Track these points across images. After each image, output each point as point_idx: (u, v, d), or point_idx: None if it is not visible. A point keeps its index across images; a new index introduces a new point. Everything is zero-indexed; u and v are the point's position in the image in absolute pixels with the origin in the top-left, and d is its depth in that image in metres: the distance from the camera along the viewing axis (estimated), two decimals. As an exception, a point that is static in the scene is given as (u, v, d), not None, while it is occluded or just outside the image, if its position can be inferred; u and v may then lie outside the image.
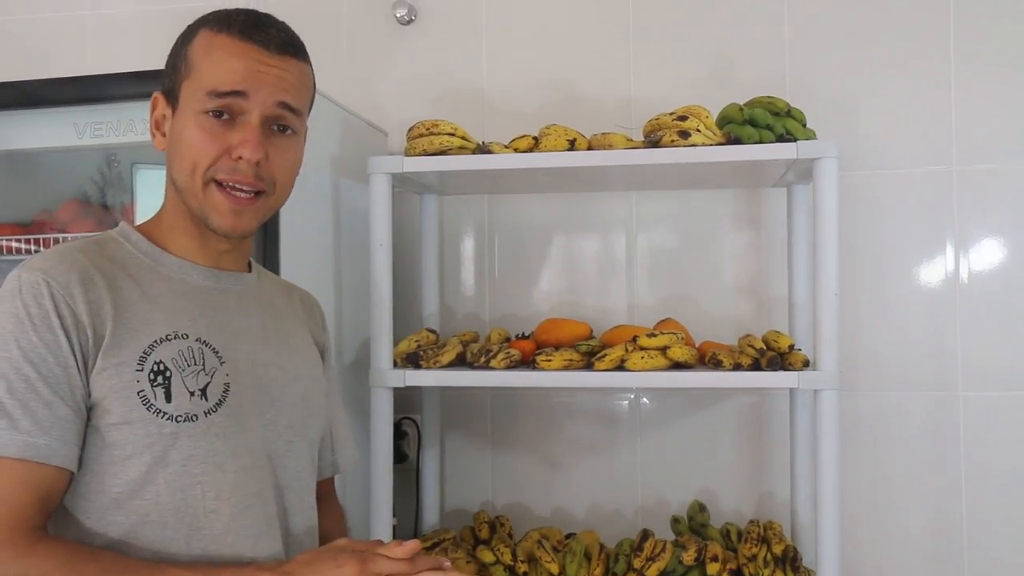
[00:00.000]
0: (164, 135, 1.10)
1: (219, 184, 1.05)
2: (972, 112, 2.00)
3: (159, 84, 1.13)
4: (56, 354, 0.97)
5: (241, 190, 1.06)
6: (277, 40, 1.07)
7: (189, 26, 1.11)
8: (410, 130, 1.85)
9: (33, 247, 1.84)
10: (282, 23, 1.11)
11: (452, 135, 1.82)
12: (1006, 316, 1.99)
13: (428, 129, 1.82)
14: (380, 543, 1.06)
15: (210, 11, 1.11)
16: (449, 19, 2.22)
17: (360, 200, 1.92)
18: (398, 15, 2.20)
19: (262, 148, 1.05)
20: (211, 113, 1.04)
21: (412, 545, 1.03)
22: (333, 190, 1.89)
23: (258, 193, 1.07)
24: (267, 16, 1.10)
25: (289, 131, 1.10)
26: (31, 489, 0.94)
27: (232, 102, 1.04)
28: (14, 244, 1.85)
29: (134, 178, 1.91)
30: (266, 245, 1.62)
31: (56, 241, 1.82)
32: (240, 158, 1.04)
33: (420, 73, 2.23)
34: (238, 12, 1.09)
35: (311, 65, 1.15)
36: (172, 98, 1.09)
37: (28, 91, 1.74)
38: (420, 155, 1.81)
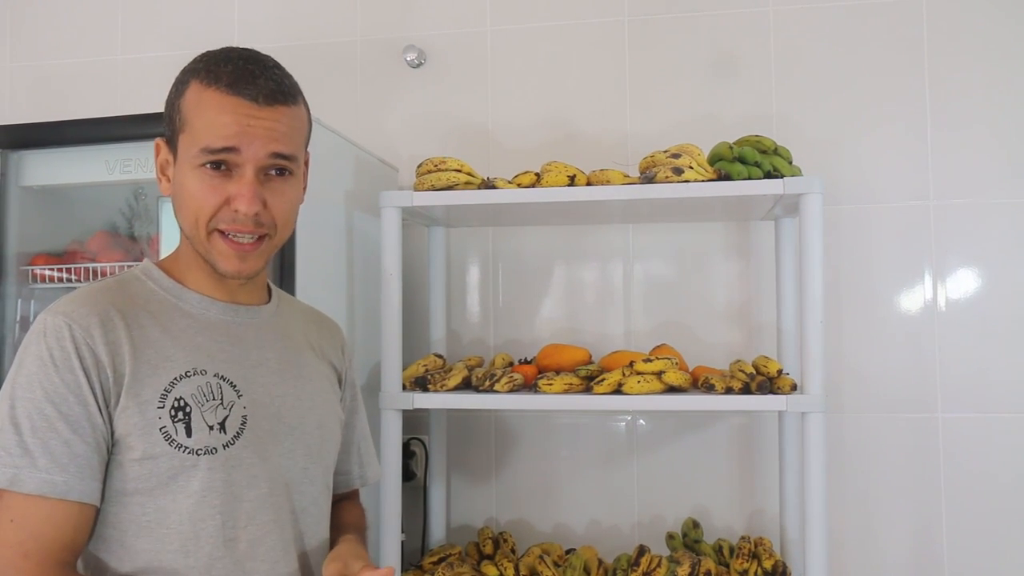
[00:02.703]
0: (169, 180, 1.11)
1: (222, 233, 1.06)
2: (946, 151, 2.06)
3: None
4: (77, 394, 0.99)
5: (244, 236, 1.07)
6: (265, 91, 1.05)
7: (183, 72, 1.09)
8: (419, 166, 1.89)
9: (65, 275, 1.90)
10: (272, 68, 1.08)
11: (459, 171, 1.86)
12: (981, 342, 2.03)
13: (436, 165, 1.86)
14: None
15: (201, 55, 1.09)
16: (456, 62, 2.28)
17: (372, 232, 1.97)
18: (408, 59, 2.27)
19: (257, 200, 1.05)
20: (208, 165, 1.04)
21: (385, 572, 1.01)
22: (347, 222, 1.93)
23: (260, 237, 1.08)
24: (255, 63, 1.07)
25: (286, 173, 1.09)
26: (57, 525, 0.97)
27: (225, 157, 1.04)
28: (47, 272, 1.91)
29: (160, 211, 1.96)
30: (283, 274, 1.66)
31: (87, 271, 1.89)
32: (238, 210, 1.05)
33: (429, 113, 2.29)
34: (226, 61, 1.06)
35: (303, 102, 1.13)
36: (172, 146, 1.09)
37: (63, 131, 1.81)
38: (428, 190, 1.84)
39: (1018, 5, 2.06)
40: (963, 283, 2.05)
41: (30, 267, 1.92)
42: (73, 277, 1.90)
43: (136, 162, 1.81)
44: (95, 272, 1.89)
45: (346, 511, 1.32)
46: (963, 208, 2.05)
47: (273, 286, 1.26)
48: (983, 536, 2.02)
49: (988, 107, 2.06)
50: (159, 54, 2.43)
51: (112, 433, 1.01)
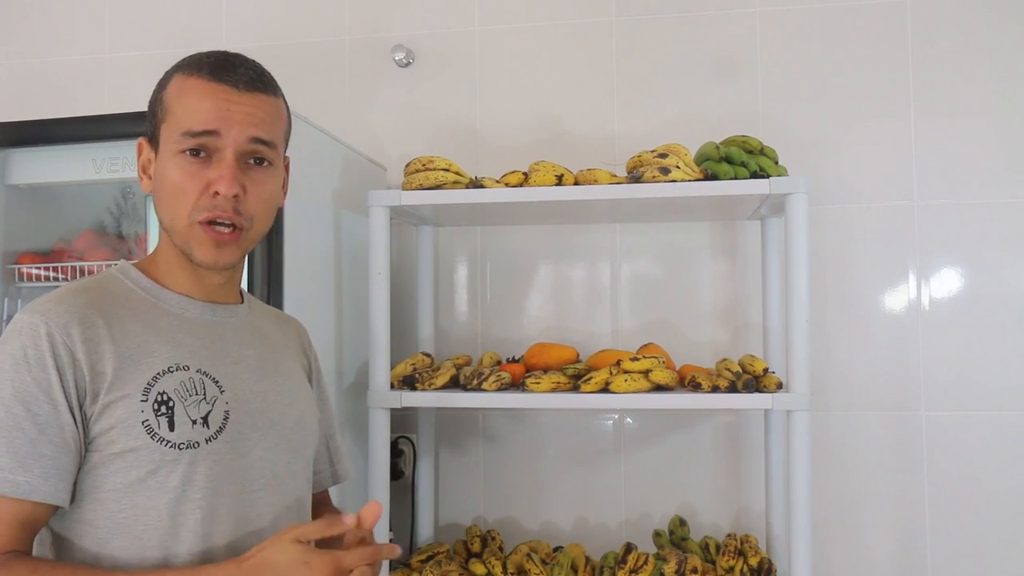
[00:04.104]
0: (150, 177, 1.11)
1: (202, 224, 1.07)
2: (930, 152, 2.08)
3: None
4: (47, 393, 0.98)
5: (223, 225, 1.07)
6: (245, 78, 1.08)
7: (165, 72, 1.12)
8: (407, 165, 1.90)
9: (52, 274, 1.89)
10: (252, 61, 1.12)
11: (447, 170, 1.86)
12: (964, 341, 2.05)
13: (424, 165, 1.87)
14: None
15: (184, 57, 1.12)
16: (444, 62, 2.29)
17: (360, 231, 1.97)
18: (396, 58, 2.27)
19: (237, 183, 1.06)
20: (188, 152, 1.05)
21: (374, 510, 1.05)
22: (334, 221, 1.93)
23: (237, 228, 1.09)
24: (236, 56, 1.11)
25: (265, 163, 1.11)
26: (6, 521, 0.97)
27: (206, 141, 1.05)
28: (34, 271, 1.90)
29: (147, 210, 1.95)
30: (270, 273, 1.65)
31: (74, 269, 1.88)
32: (217, 193, 1.06)
33: (417, 112, 2.29)
34: (209, 55, 1.10)
35: (283, 98, 1.16)
36: (154, 142, 1.10)
37: (50, 129, 1.80)
38: (416, 189, 1.85)
39: (1003, 6, 2.08)
40: (947, 283, 2.07)
41: (16, 266, 1.91)
42: (60, 276, 1.88)
43: (124, 161, 1.81)
44: (82, 271, 1.88)
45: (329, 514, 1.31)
46: (947, 208, 2.08)
47: (243, 290, 1.26)
48: (966, 531, 2.04)
49: (972, 108, 2.08)
50: (147, 52, 2.43)
51: (88, 432, 1.01)
